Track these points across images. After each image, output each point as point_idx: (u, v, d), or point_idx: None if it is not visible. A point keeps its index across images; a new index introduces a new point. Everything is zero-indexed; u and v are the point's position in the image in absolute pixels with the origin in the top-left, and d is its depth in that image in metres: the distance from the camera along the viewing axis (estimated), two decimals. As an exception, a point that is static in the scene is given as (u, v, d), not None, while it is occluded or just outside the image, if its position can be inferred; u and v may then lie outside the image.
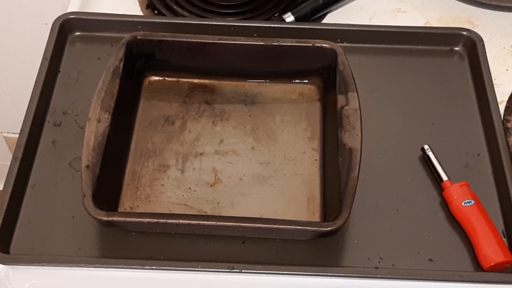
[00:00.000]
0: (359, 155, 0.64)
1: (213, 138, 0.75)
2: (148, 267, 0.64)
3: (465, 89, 0.80)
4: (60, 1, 1.00)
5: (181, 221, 0.63)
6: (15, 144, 0.71)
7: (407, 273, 0.65)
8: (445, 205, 0.70)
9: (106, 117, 0.67)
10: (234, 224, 0.63)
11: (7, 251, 0.66)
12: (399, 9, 0.91)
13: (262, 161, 0.73)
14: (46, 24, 1.00)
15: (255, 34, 0.81)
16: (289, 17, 0.85)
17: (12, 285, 0.66)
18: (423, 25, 0.88)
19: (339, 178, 0.65)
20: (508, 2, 0.88)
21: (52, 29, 0.80)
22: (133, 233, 0.67)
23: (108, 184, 0.67)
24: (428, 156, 0.72)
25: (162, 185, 0.71)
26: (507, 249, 0.66)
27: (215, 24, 0.82)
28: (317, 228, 0.64)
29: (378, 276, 0.65)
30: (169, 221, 0.63)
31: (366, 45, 0.83)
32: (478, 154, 0.74)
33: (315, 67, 0.77)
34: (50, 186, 0.70)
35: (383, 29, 0.83)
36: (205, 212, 0.69)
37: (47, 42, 0.79)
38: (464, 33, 0.83)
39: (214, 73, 0.79)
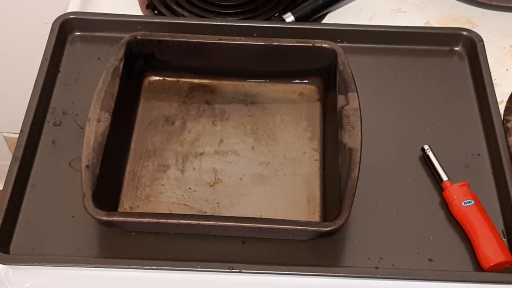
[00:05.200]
0: (359, 155, 0.64)
1: (213, 138, 0.75)
2: (148, 267, 0.64)
3: (465, 89, 0.80)
4: (60, 1, 1.00)
5: (181, 221, 0.63)
6: (15, 144, 0.71)
7: (407, 273, 0.65)
8: (445, 205, 0.70)
9: (106, 117, 0.67)
10: (234, 224, 0.63)
11: (7, 251, 0.66)
12: (399, 9, 0.91)
13: (262, 161, 0.73)
14: (46, 24, 1.00)
15: (255, 34, 0.81)
16: (289, 17, 0.85)
17: (12, 285, 0.66)
18: (423, 25, 0.88)
19: (339, 178, 0.66)
20: (508, 2, 0.88)
21: (52, 29, 0.80)
22: (133, 233, 0.67)
23: (108, 184, 0.67)
24: (428, 156, 0.72)
25: (162, 185, 0.71)
26: (507, 249, 0.66)
27: (215, 24, 0.82)
28: (317, 228, 0.64)
29: (378, 276, 0.65)
30: (169, 221, 0.63)
31: (366, 45, 0.83)
32: (478, 154, 0.74)
33: (315, 67, 0.77)
34: (50, 186, 0.70)
35: (383, 29, 0.83)
36: (205, 212, 0.69)
37: (47, 42, 0.79)
38: (464, 33, 0.83)
39: (214, 73, 0.79)
